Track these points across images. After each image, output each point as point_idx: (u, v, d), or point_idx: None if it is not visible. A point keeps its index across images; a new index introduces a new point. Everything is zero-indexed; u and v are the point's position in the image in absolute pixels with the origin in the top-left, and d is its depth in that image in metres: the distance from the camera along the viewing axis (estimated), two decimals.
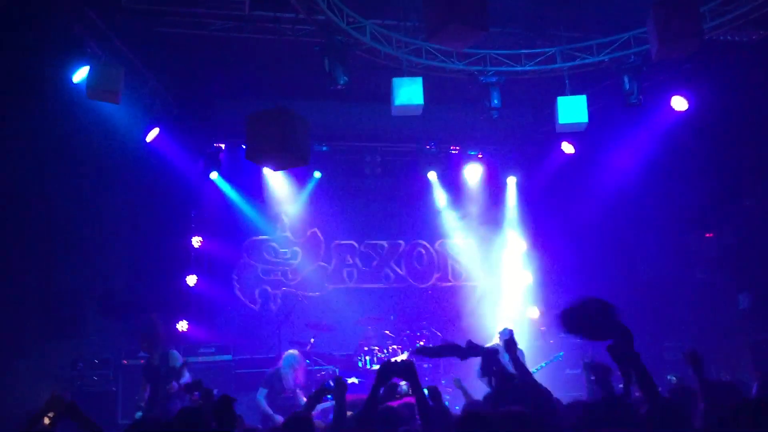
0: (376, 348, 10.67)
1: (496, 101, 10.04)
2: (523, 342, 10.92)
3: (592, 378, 6.12)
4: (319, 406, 7.33)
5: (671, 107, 10.94)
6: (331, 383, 4.96)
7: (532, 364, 9.78)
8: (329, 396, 5.21)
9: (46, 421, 4.49)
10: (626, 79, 9.86)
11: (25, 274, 10.17)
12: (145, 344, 8.58)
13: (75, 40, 8.49)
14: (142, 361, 9.00)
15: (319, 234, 13.13)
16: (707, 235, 12.21)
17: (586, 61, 10.00)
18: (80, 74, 8.73)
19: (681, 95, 10.80)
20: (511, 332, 9.66)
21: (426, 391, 4.78)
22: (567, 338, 11.63)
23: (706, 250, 12.15)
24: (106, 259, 11.23)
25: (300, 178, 12.64)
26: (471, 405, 5.35)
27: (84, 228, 10.90)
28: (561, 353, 10.39)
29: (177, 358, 8.63)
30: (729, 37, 9.64)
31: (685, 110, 10.87)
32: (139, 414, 8.37)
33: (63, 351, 10.16)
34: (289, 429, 4.46)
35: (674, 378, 7.95)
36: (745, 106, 10.75)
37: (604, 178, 12.39)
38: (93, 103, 8.77)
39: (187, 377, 8.60)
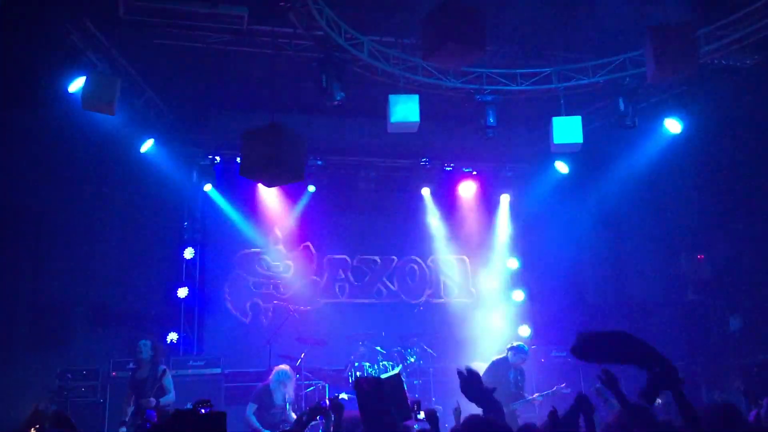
0: (367, 364, 10.62)
1: (491, 120, 10.07)
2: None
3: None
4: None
5: (665, 129, 11.01)
6: (327, 402, 4.93)
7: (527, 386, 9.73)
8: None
9: None
10: (621, 101, 9.91)
11: (14, 284, 10.12)
12: (146, 353, 8.45)
13: (72, 51, 8.48)
14: (129, 373, 8.92)
15: (312, 248, 13.09)
16: (699, 256, 12.26)
17: (582, 82, 10.04)
18: (76, 84, 8.72)
19: (675, 118, 10.88)
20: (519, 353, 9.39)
21: (422, 414, 4.76)
22: (560, 359, 11.63)
23: (698, 272, 12.20)
24: (97, 269, 11.18)
25: (294, 191, 12.62)
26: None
27: (75, 238, 10.87)
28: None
29: (167, 374, 8.50)
30: (724, 62, 9.71)
31: (679, 133, 10.95)
32: (123, 430, 8.26)
33: (51, 362, 10.08)
34: None
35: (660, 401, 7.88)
36: (739, 130, 10.84)
37: (597, 199, 12.44)
38: (88, 113, 8.74)
39: (172, 395, 8.47)
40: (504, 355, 9.44)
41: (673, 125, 10.91)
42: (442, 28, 6.64)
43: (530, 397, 9.35)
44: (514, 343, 9.57)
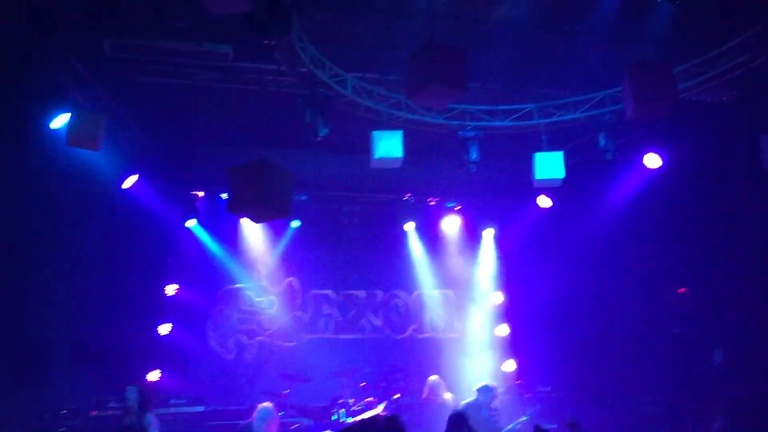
0: (352, 400, 10.53)
1: (474, 155, 10.16)
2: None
3: None
4: None
5: (646, 164, 11.14)
6: None
7: (506, 417, 9.72)
8: None
9: None
10: (601, 137, 10.04)
11: None
12: (132, 400, 8.30)
13: (58, 88, 8.50)
14: (109, 411, 8.77)
15: (296, 283, 13.05)
16: (682, 290, 12.31)
17: (563, 118, 10.18)
18: (59, 121, 8.72)
19: (655, 153, 11.02)
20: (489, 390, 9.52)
21: None
22: (545, 393, 11.61)
23: (681, 305, 12.24)
24: (79, 305, 11.04)
25: (277, 226, 12.61)
26: None
27: (57, 274, 10.75)
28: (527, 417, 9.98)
29: (151, 422, 8.37)
30: (702, 97, 9.89)
31: (659, 167, 11.08)
32: None
33: (31, 400, 9.89)
34: None
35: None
36: (718, 164, 10.98)
37: (579, 233, 12.51)
38: (72, 149, 8.71)
39: None
40: (474, 397, 9.51)
41: (652, 160, 11.05)
42: (425, 69, 6.67)
43: (508, 427, 9.37)
44: (481, 384, 9.66)
